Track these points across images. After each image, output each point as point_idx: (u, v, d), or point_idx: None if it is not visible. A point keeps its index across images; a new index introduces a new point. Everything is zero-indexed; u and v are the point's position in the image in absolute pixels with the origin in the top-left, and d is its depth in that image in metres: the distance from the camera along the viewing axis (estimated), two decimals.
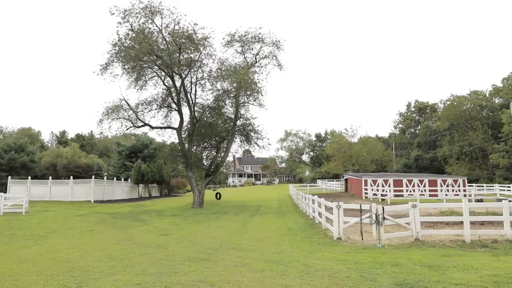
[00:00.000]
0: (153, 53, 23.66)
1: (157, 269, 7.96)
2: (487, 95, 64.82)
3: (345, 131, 73.41)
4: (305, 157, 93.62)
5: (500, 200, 30.20)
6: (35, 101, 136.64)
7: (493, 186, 39.59)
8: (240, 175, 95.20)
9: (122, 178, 38.40)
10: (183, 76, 25.90)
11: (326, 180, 65.09)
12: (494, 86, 64.01)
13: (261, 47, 29.49)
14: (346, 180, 46.83)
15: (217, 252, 10.12)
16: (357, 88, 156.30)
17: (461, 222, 15.80)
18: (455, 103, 62.31)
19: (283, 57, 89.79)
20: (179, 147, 27.64)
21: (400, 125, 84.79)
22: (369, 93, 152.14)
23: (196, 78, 27.18)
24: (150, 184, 39.46)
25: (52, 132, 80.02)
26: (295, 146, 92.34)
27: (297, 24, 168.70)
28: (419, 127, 78.75)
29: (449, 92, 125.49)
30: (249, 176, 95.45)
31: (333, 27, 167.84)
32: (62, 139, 71.74)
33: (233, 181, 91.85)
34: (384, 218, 10.49)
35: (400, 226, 11.44)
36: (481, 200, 29.81)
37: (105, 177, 38.23)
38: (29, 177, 30.54)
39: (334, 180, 63.44)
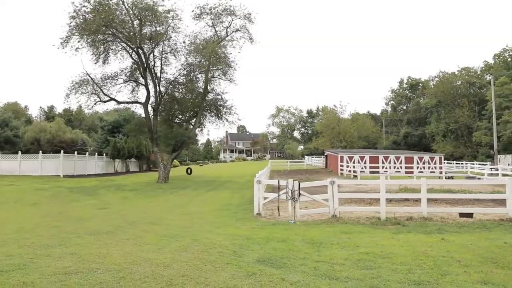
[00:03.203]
0: (110, 26, 23.08)
1: (49, 242, 7.99)
2: (479, 72, 63.93)
3: (334, 107, 72.96)
4: (296, 133, 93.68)
5: (470, 178, 30.37)
6: (25, 76, 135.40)
7: (473, 163, 39.60)
8: (232, 151, 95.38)
9: (104, 153, 38.52)
10: (146, 50, 25.44)
11: (314, 156, 65.23)
12: (486, 63, 63.04)
13: (232, 20, 28.81)
14: (326, 156, 46.93)
15: (130, 226, 10.17)
16: (352, 65, 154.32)
17: (407, 199, 15.92)
18: (444, 80, 61.59)
19: (259, 31, 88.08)
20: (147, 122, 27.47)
21: (392, 102, 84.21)
22: (364, 69, 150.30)
23: (161, 52, 26.71)
24: (128, 159, 39.53)
25: (40, 107, 79.64)
26: (287, 122, 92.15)
27: None
28: (410, 104, 78.25)
29: (443, 68, 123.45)
30: (240, 152, 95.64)
31: (329, 4, 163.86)
32: (50, 114, 71.44)
33: (224, 157, 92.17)
34: (299, 194, 10.46)
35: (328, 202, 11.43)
36: (451, 178, 29.91)
37: (88, 152, 38.36)
38: None
39: (322, 156, 63.57)
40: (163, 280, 5.38)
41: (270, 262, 6.30)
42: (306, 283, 5.24)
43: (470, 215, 11.03)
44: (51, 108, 74.69)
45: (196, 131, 31.51)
